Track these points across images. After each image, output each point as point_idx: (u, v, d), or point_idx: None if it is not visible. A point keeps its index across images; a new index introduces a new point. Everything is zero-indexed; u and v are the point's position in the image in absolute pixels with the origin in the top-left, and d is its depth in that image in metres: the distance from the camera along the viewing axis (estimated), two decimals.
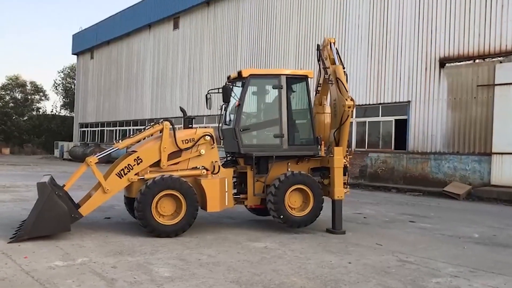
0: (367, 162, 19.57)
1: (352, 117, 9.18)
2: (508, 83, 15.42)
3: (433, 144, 17.49)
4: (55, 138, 45.28)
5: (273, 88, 8.84)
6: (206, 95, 9.33)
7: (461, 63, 16.85)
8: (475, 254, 7.17)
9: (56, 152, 40.34)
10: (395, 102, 18.87)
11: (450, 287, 5.34)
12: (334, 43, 9.33)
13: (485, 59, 16.20)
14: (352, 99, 8.68)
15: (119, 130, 37.86)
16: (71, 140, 43.82)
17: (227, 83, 8.98)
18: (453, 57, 17.05)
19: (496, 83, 15.76)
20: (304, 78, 9.03)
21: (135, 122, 35.33)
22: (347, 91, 8.71)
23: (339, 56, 9.28)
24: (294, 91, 9.04)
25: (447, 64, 17.24)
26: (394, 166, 18.72)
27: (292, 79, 8.98)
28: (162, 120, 8.30)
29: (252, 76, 8.73)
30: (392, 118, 19.04)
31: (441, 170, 17.12)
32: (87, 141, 41.66)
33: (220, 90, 8.55)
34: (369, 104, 19.76)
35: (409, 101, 18.29)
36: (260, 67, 24.57)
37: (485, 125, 16.01)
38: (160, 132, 8.20)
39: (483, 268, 6.23)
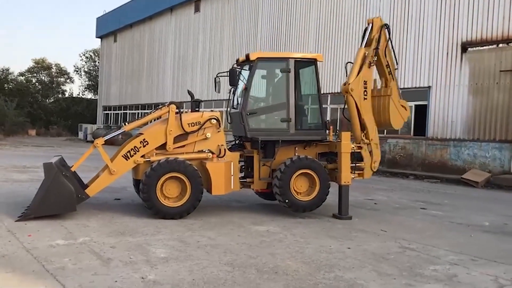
0: (386, 148, 19.29)
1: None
2: None
3: (453, 130, 17.12)
4: (80, 120, 46.07)
5: (281, 72, 8.75)
6: (215, 78, 9.31)
7: (484, 47, 16.35)
8: (481, 242, 7.03)
9: (80, 134, 41.07)
10: (415, 87, 18.48)
11: (446, 275, 5.25)
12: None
13: (509, 44, 15.67)
14: (346, 83, 8.66)
15: (142, 113, 38.22)
16: (95, 123, 44.52)
17: (235, 66, 8.92)
18: (476, 42, 16.55)
19: None
20: (313, 62, 8.91)
21: (157, 105, 35.53)
22: (352, 75, 8.67)
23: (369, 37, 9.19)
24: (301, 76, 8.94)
25: (469, 49, 16.76)
26: (413, 152, 18.42)
27: (301, 63, 8.88)
28: (168, 103, 8.33)
29: (260, 59, 8.66)
30: (412, 104, 18.62)
31: (461, 157, 16.77)
32: (110, 123, 42.25)
33: (227, 74, 8.51)
34: None
35: (429, 86, 17.90)
36: (280, 50, 24.37)
37: (506, 112, 15.57)
38: (167, 115, 8.23)
39: (486, 256, 6.11)
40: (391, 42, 9.49)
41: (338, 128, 20.63)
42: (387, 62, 9.27)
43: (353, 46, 20.81)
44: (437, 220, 8.78)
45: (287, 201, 8.26)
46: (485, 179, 15.21)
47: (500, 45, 15.91)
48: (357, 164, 8.77)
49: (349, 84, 8.69)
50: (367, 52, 9.05)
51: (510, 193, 13.64)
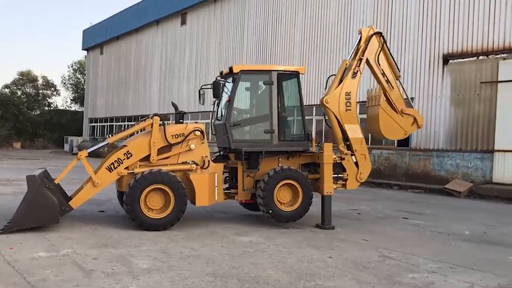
0: (370, 159, 19.46)
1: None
2: (511, 80, 15.25)
3: (436, 141, 17.38)
4: (65, 132, 45.74)
5: (264, 84, 8.88)
6: (199, 90, 9.43)
7: (465, 59, 16.69)
8: (460, 251, 7.16)
9: (66, 147, 40.80)
10: None
11: (424, 283, 5.36)
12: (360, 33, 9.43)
13: (489, 56, 16.03)
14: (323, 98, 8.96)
15: (128, 125, 38.14)
16: (81, 135, 44.26)
17: (218, 78, 9.03)
18: (457, 54, 16.89)
19: (499, 80, 15.58)
20: (295, 74, 9.06)
21: (143, 117, 35.52)
22: (331, 87, 9.03)
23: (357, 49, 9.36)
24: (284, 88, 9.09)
25: (450, 61, 17.10)
26: (396, 163, 18.65)
27: (284, 75, 9.02)
28: (152, 115, 8.40)
29: (243, 72, 8.78)
30: None
31: (444, 167, 17.02)
32: (96, 136, 42.06)
33: (211, 86, 8.62)
34: None
35: (412, 98, 18.16)
36: (266, 62, 24.59)
37: (487, 122, 15.87)
38: (151, 127, 8.29)
39: (464, 264, 6.23)
40: (389, 50, 9.54)
41: (323, 139, 20.83)
42: (382, 70, 9.34)
43: (337, 58, 21.07)
44: (418, 229, 8.92)
45: (270, 211, 8.34)
46: (468, 189, 15.43)
47: (480, 57, 16.25)
48: (339, 175, 8.89)
49: (324, 96, 8.93)
50: (348, 64, 9.22)
51: (491, 203, 13.86)
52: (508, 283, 5.47)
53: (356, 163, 9.06)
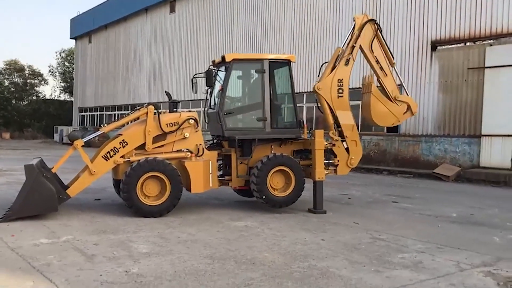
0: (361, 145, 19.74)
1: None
2: (498, 66, 15.54)
3: (425, 126, 17.68)
4: (55, 122, 45.57)
5: (256, 73, 9.03)
6: (192, 79, 9.55)
7: (452, 46, 16.95)
8: (448, 232, 7.43)
9: (56, 137, 40.67)
10: None
11: (413, 262, 5.61)
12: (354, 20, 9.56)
13: (476, 42, 16.30)
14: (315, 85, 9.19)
15: (118, 114, 38.06)
16: (70, 125, 44.11)
17: (211, 67, 9.17)
18: (445, 40, 17.14)
19: (486, 65, 15.87)
20: (286, 63, 9.22)
21: (133, 107, 35.34)
22: (324, 74, 9.31)
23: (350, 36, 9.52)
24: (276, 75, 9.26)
25: (438, 47, 17.35)
26: (386, 148, 18.95)
27: (275, 64, 9.18)
28: (146, 104, 8.53)
29: (235, 60, 8.92)
30: None
31: (432, 152, 17.35)
32: (86, 125, 41.94)
33: (204, 75, 8.76)
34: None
35: (400, 84, 18.38)
36: (256, 50, 24.69)
37: (475, 108, 16.18)
38: (145, 116, 8.42)
39: (451, 244, 6.50)
40: (383, 37, 9.66)
41: (314, 126, 21.05)
42: (376, 58, 9.49)
43: (327, 46, 21.25)
44: (406, 212, 9.20)
45: (264, 197, 8.55)
46: (456, 173, 15.78)
47: (468, 43, 16.52)
48: (330, 161, 9.11)
49: (317, 83, 9.14)
50: (341, 51, 9.39)
51: (478, 186, 14.21)
52: (492, 260, 5.75)
53: (347, 149, 9.27)
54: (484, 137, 15.80)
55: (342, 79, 9.24)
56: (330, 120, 9.24)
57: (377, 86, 9.77)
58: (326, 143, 9.01)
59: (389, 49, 9.83)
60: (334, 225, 7.68)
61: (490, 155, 15.69)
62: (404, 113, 9.79)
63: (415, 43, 18.03)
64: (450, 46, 17.01)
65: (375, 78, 9.75)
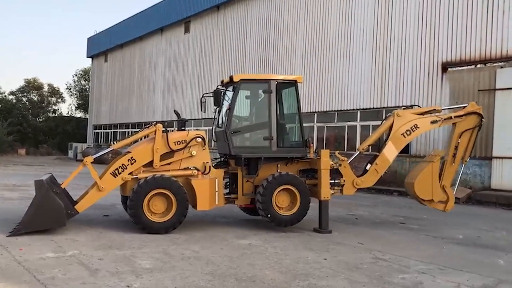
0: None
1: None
2: (509, 88, 15.52)
3: (435, 148, 17.61)
4: (70, 139, 46.20)
5: (263, 93, 9.18)
6: (201, 98, 9.74)
7: (463, 67, 16.99)
8: (452, 253, 7.41)
9: (70, 153, 41.21)
10: (398, 106, 19.00)
11: (413, 282, 5.62)
12: None
13: (486, 64, 16.31)
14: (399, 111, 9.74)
15: (132, 132, 38.53)
16: (85, 142, 44.69)
17: (219, 87, 9.35)
18: (455, 62, 17.19)
19: (497, 87, 15.86)
20: (293, 83, 9.37)
21: (147, 124, 35.90)
22: (414, 111, 10.01)
23: None
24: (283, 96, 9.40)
25: (449, 69, 17.39)
26: (397, 169, 18.86)
27: (282, 84, 9.33)
28: (155, 122, 8.72)
29: (243, 81, 9.10)
30: None
31: None
32: (100, 142, 42.47)
33: (212, 94, 8.94)
34: (373, 108, 19.96)
35: (412, 105, 18.41)
36: (268, 70, 24.97)
37: (486, 130, 16.05)
38: (154, 134, 8.60)
39: (454, 266, 6.48)
40: (477, 135, 9.94)
41: (324, 146, 21.12)
42: (458, 144, 9.73)
43: (338, 67, 21.44)
44: (412, 233, 9.17)
45: (269, 215, 8.61)
46: (466, 195, 15.64)
47: (478, 65, 16.55)
48: (336, 181, 9.17)
49: (403, 109, 9.64)
50: (439, 110, 9.92)
51: (489, 209, 14.08)
52: (493, 283, 5.73)
53: (366, 171, 9.38)
54: (495, 159, 15.70)
55: (418, 127, 9.52)
56: (375, 138, 9.52)
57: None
58: (332, 162, 9.08)
59: (473, 147, 10.07)
60: (338, 245, 7.71)
61: (501, 177, 15.56)
62: (440, 201, 9.80)
63: (426, 64, 18.10)
64: (460, 68, 17.05)
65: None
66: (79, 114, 56.84)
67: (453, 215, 12.22)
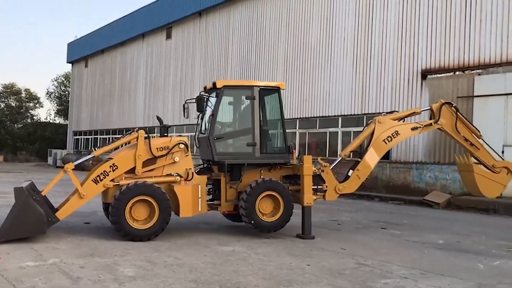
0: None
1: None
2: (486, 95, 15.84)
3: (415, 154, 17.87)
4: (49, 145, 45.55)
5: (246, 99, 9.20)
6: (184, 104, 9.71)
7: (442, 75, 17.29)
8: (433, 258, 7.50)
9: (50, 160, 40.61)
10: (379, 113, 19.14)
11: (395, 287, 5.67)
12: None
13: (465, 72, 16.62)
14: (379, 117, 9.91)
15: (112, 138, 38.19)
16: (64, 148, 44.11)
17: (202, 93, 9.35)
18: (435, 69, 17.48)
19: (475, 94, 16.17)
20: (276, 90, 9.41)
21: (128, 130, 35.61)
22: (392, 116, 10.21)
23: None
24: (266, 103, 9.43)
25: (428, 76, 17.68)
26: (377, 175, 19.05)
27: (265, 90, 9.37)
28: (137, 128, 8.66)
29: (226, 87, 9.11)
30: None
31: (423, 180, 17.48)
32: (80, 148, 41.96)
33: (195, 100, 8.93)
34: (354, 114, 20.15)
35: (392, 112, 18.61)
36: (249, 77, 25.02)
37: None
38: (136, 140, 8.53)
39: (435, 271, 6.57)
40: (462, 115, 10.16)
41: (306, 152, 21.24)
42: (464, 137, 9.96)
43: (319, 74, 21.60)
44: (394, 238, 9.26)
45: (252, 222, 8.61)
46: (446, 200, 15.88)
47: (457, 73, 16.85)
48: (319, 187, 9.22)
49: (383, 116, 9.79)
50: (419, 111, 10.18)
51: (468, 214, 14.29)
52: (473, 287, 5.83)
53: (348, 177, 9.47)
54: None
55: (399, 133, 9.70)
56: (357, 144, 9.66)
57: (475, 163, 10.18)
58: (314, 168, 9.13)
59: (470, 123, 10.28)
60: (321, 251, 7.74)
61: None
62: (506, 176, 10.06)
63: (406, 72, 18.37)
64: (440, 75, 17.35)
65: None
66: (58, 120, 56.15)
67: (433, 220, 12.42)
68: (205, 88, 9.70)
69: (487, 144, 10.28)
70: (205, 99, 9.15)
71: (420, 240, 9.14)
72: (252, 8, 25.70)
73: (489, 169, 10.07)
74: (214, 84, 9.17)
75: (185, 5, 30.49)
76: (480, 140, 10.21)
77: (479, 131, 10.30)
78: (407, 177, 18.03)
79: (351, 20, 20.46)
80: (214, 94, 9.31)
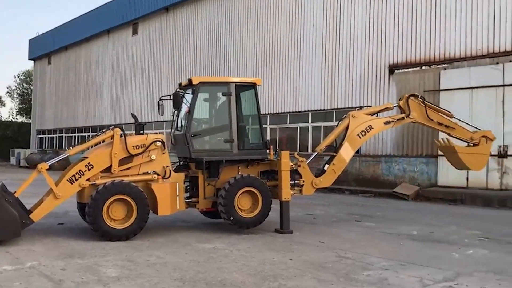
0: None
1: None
2: (452, 89, 16.29)
3: (384, 147, 18.23)
4: (11, 145, 44.17)
5: (222, 95, 9.18)
6: (158, 101, 9.61)
7: (409, 69, 17.67)
8: (410, 249, 7.70)
9: (12, 160, 39.44)
10: (348, 108, 19.49)
11: (378, 279, 5.80)
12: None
13: (431, 66, 17.05)
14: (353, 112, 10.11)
15: (78, 136, 37.37)
16: (28, 147, 42.87)
17: (178, 90, 9.27)
18: (402, 64, 17.86)
19: (441, 88, 16.60)
20: (252, 86, 9.43)
21: (94, 128, 34.93)
22: (366, 111, 10.44)
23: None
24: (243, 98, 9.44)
25: (396, 71, 18.04)
26: (347, 168, 19.24)
27: (241, 87, 9.37)
28: (113, 126, 8.52)
29: (202, 83, 9.06)
30: None
31: (392, 172, 17.87)
32: (45, 148, 40.87)
33: (171, 97, 8.84)
34: (324, 110, 20.38)
35: (361, 106, 18.87)
36: (219, 73, 24.94)
37: (431, 129, 16.80)
38: (111, 139, 8.39)
39: (413, 261, 6.74)
40: (430, 103, 10.56)
41: (277, 147, 21.34)
42: (438, 121, 10.26)
43: (289, 69, 21.73)
44: (369, 231, 9.44)
45: (231, 218, 8.61)
46: (415, 192, 16.28)
47: (423, 67, 17.27)
48: (296, 182, 9.30)
49: (357, 110, 10.01)
50: (391, 107, 10.37)
51: (436, 205, 14.70)
52: (452, 275, 6.01)
53: (323, 171, 9.61)
54: (441, 157, 16.34)
55: (373, 127, 9.88)
56: (332, 139, 9.77)
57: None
58: (291, 164, 9.21)
59: (438, 106, 10.70)
60: (301, 245, 7.82)
61: (446, 174, 16.25)
62: (486, 144, 10.44)
63: (374, 67, 18.69)
64: (406, 70, 17.73)
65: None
66: (20, 119, 54.48)
67: (404, 212, 12.72)
68: (180, 84, 9.62)
69: (459, 120, 10.66)
70: (181, 95, 9.07)
71: (394, 231, 9.35)
72: (220, 4, 25.56)
73: (470, 143, 10.45)
74: (189, 80, 9.11)
75: (152, 0, 30.07)
76: (453, 119, 10.58)
77: (449, 112, 10.66)
78: (376, 170, 18.39)
79: (319, 16, 20.65)
80: (190, 91, 9.25)
